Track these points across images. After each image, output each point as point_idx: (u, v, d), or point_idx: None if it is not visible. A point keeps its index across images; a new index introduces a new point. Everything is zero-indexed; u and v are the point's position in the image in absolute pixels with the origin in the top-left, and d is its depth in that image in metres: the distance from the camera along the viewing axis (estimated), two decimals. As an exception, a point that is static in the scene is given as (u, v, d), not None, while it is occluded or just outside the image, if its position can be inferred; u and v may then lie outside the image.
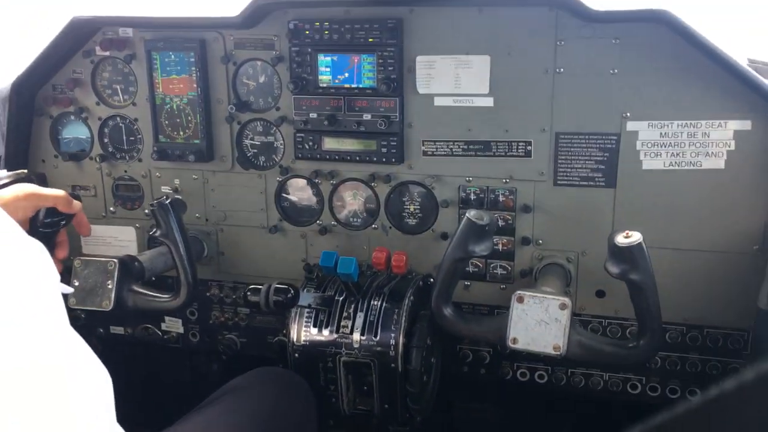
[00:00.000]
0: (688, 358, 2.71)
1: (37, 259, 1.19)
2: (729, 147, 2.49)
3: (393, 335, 2.55)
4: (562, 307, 2.24)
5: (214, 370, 3.57)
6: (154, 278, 2.83)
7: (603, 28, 2.50)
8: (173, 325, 3.25)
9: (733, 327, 2.63)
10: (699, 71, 2.45)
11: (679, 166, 2.56)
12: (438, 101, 2.73)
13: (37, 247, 1.22)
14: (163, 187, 3.07)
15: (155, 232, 2.60)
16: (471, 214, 2.30)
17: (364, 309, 2.62)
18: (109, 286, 2.56)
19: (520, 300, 2.27)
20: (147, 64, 2.91)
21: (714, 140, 2.51)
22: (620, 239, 2.16)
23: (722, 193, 2.52)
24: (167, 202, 2.56)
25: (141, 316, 3.23)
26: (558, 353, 2.24)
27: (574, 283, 2.72)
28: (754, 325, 2.59)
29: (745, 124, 2.46)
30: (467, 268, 2.80)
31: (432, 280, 2.80)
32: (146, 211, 3.09)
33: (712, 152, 2.52)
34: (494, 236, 2.69)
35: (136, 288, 2.61)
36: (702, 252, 2.58)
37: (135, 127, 3.05)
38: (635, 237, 2.16)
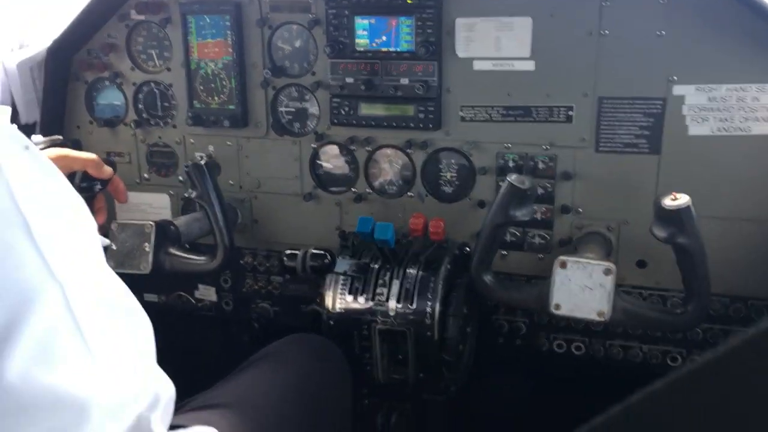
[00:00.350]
0: (731, 330, 2.65)
1: (81, 207, 1.20)
2: (780, 111, 2.41)
3: (429, 303, 2.52)
4: (607, 272, 2.19)
5: (245, 340, 3.57)
6: (188, 245, 2.83)
7: None
8: (207, 293, 3.25)
9: None
10: (749, 32, 2.36)
11: (727, 131, 2.48)
12: (477, 65, 2.67)
13: (79, 198, 1.23)
14: (197, 153, 3.05)
15: (191, 194, 2.59)
16: (512, 178, 2.26)
17: (400, 277, 2.59)
18: (147, 249, 2.55)
19: (563, 265, 2.22)
20: (182, 27, 2.89)
21: (764, 104, 2.42)
22: (668, 202, 2.10)
23: None
24: (202, 163, 2.55)
25: (176, 281, 3.23)
26: (603, 319, 2.20)
27: (615, 253, 2.66)
28: None
29: None
30: (505, 237, 2.75)
31: (468, 249, 2.76)
32: (180, 177, 3.09)
33: (763, 117, 2.44)
34: (533, 204, 2.65)
35: (173, 251, 2.61)
36: (749, 221, 2.51)
37: (169, 92, 3.03)
38: (683, 199, 2.10)
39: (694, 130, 2.51)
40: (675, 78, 2.48)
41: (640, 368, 2.80)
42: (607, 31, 2.51)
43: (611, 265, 2.21)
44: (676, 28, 2.44)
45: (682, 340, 2.73)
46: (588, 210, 2.68)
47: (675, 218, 2.09)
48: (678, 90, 2.49)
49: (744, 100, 2.44)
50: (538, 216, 2.72)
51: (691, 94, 2.49)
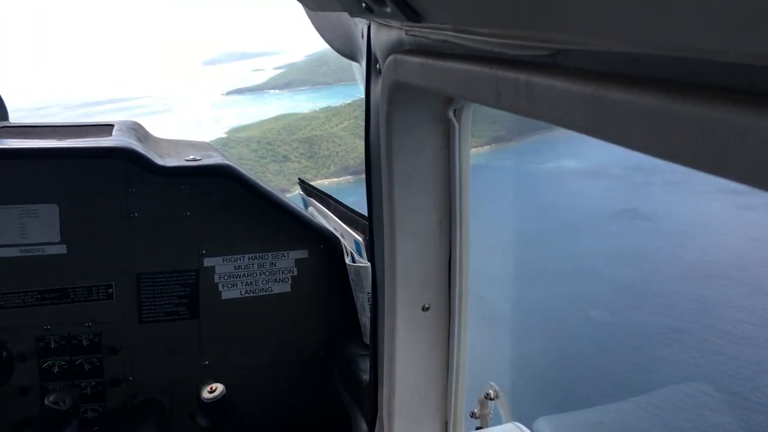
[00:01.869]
0: None
1: None
2: (293, 273, 2.86)
3: None
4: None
5: None
6: None
7: (173, 178, 2.62)
8: None
9: (309, 425, 3.03)
10: (260, 212, 2.75)
11: (253, 293, 2.84)
12: (3, 252, 2.52)
13: None
14: None
15: None
16: (50, 399, 2.22)
17: None
18: None
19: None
20: None
21: (280, 268, 2.85)
22: (205, 394, 2.34)
23: (291, 311, 2.89)
24: None
25: None
26: None
27: (170, 412, 2.82)
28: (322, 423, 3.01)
29: (303, 253, 2.86)
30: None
31: None
32: None
33: (280, 278, 2.86)
34: (82, 380, 2.67)
35: None
36: (281, 363, 2.92)
37: None
38: (219, 390, 2.36)
39: (226, 294, 2.81)
40: (204, 252, 2.74)
41: None
42: (136, 214, 2.62)
43: None
44: (200, 209, 2.69)
45: None
46: (138, 378, 2.77)
47: (215, 408, 2.33)
48: (208, 262, 2.76)
49: (264, 265, 2.83)
50: (89, 391, 2.72)
51: (219, 265, 2.78)
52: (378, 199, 1.93)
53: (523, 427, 1.55)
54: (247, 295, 2.83)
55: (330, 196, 3.02)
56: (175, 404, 2.82)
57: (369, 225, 2.07)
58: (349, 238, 2.75)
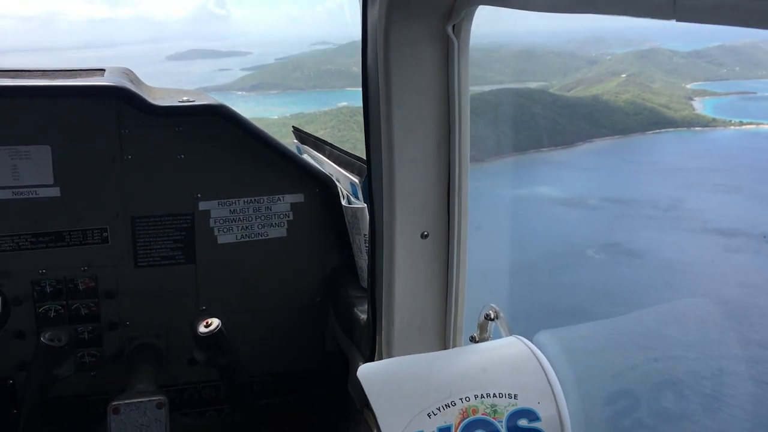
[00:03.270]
0: (275, 402, 3.05)
1: None
2: (289, 217, 2.85)
3: None
4: (159, 406, 2.33)
5: None
6: None
7: (165, 119, 2.59)
8: None
9: (306, 368, 3.03)
10: (256, 155, 2.73)
11: (249, 237, 2.82)
12: None
13: None
14: None
15: None
16: (45, 336, 2.21)
17: None
18: None
19: (116, 411, 2.28)
20: None
21: (276, 212, 2.83)
22: (201, 329, 2.34)
23: (288, 256, 2.88)
24: None
25: None
26: None
27: (166, 359, 2.82)
28: (319, 366, 3.02)
29: (299, 197, 2.84)
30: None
31: (11, 381, 2.61)
32: None
33: (276, 223, 2.84)
34: (79, 324, 2.66)
35: None
36: (278, 308, 2.92)
37: None
38: (215, 324, 2.36)
39: (222, 238, 2.79)
40: (199, 195, 2.72)
41: None
42: (130, 156, 2.60)
43: (162, 399, 2.35)
44: (195, 152, 2.66)
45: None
46: (135, 322, 2.76)
47: (210, 342, 2.33)
48: (203, 205, 2.74)
49: (260, 210, 2.81)
50: (86, 335, 2.71)
51: (215, 208, 2.76)
52: (376, 124, 1.91)
53: (525, 340, 1.55)
54: (243, 239, 2.82)
55: (325, 141, 2.99)
56: (172, 348, 2.82)
57: (366, 154, 2.05)
58: (345, 180, 2.73)
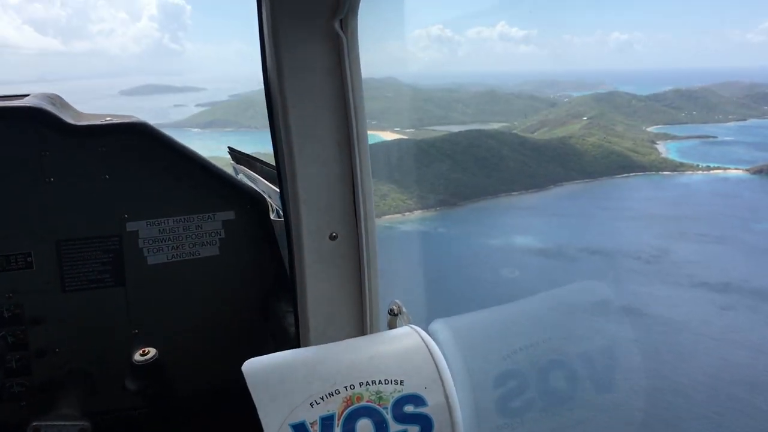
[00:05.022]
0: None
1: None
2: (220, 235, 2.83)
3: None
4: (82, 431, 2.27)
5: None
6: None
7: (88, 139, 2.57)
8: None
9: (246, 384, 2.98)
10: (183, 173, 2.71)
11: (181, 257, 2.79)
12: None
13: None
14: None
15: None
16: None
17: None
18: None
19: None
20: None
21: (207, 231, 2.81)
22: (137, 357, 2.29)
23: (221, 275, 2.84)
24: None
25: None
26: None
27: (99, 383, 2.75)
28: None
29: (230, 215, 2.82)
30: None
31: None
32: None
33: (208, 241, 2.82)
34: (6, 353, 2.59)
35: None
36: (213, 328, 2.87)
37: None
38: (151, 353, 2.32)
39: (152, 259, 2.76)
40: (127, 216, 2.69)
41: None
42: (53, 179, 2.57)
43: (85, 425, 2.29)
44: (120, 172, 2.64)
45: None
46: (65, 349, 2.70)
47: (146, 371, 2.29)
48: (131, 226, 2.71)
49: (190, 228, 2.79)
50: (14, 364, 2.65)
51: (144, 229, 2.73)
52: (278, 127, 1.91)
53: (419, 329, 1.53)
54: (174, 259, 2.78)
55: (257, 158, 2.99)
56: (104, 374, 2.76)
57: (276, 161, 2.04)
58: (275, 195, 2.73)
